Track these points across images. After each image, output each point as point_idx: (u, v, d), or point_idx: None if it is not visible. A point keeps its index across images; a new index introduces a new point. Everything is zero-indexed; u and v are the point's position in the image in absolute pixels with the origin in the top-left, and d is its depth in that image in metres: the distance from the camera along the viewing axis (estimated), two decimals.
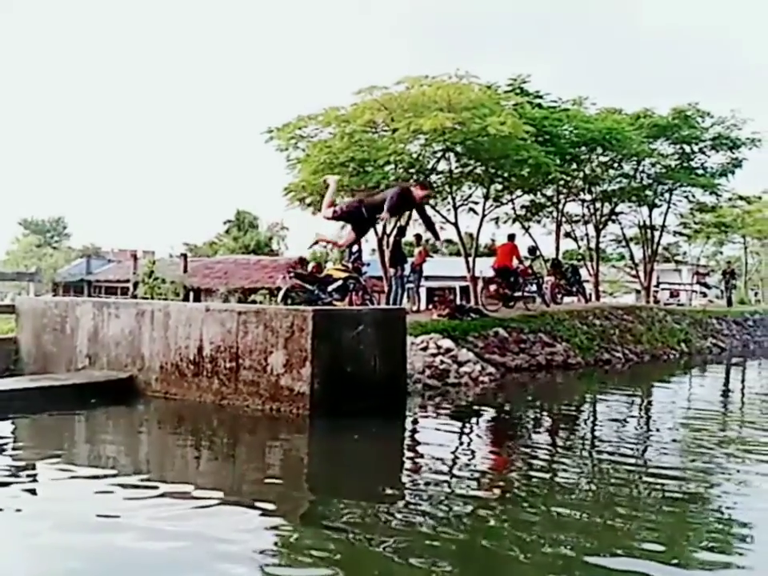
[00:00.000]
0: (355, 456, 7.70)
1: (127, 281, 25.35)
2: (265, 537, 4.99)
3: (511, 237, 19.10)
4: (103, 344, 11.04)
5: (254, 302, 19.09)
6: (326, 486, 6.57)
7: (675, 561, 4.77)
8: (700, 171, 25.46)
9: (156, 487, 6.01)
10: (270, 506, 5.60)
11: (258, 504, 5.61)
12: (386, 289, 17.97)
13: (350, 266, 16.07)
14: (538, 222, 25.70)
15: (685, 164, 25.13)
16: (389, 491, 6.31)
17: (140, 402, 10.14)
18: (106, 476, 6.33)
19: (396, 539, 5.01)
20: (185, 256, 33.72)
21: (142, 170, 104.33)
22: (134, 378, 10.59)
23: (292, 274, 15.20)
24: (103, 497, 5.81)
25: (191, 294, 24.48)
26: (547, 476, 7.03)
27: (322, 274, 15.68)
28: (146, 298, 19.50)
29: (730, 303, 28.42)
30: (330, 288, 14.89)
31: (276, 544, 4.92)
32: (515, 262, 17.64)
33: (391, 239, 17.98)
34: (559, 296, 20.52)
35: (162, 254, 46.38)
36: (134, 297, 21.17)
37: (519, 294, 17.84)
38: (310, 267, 16.51)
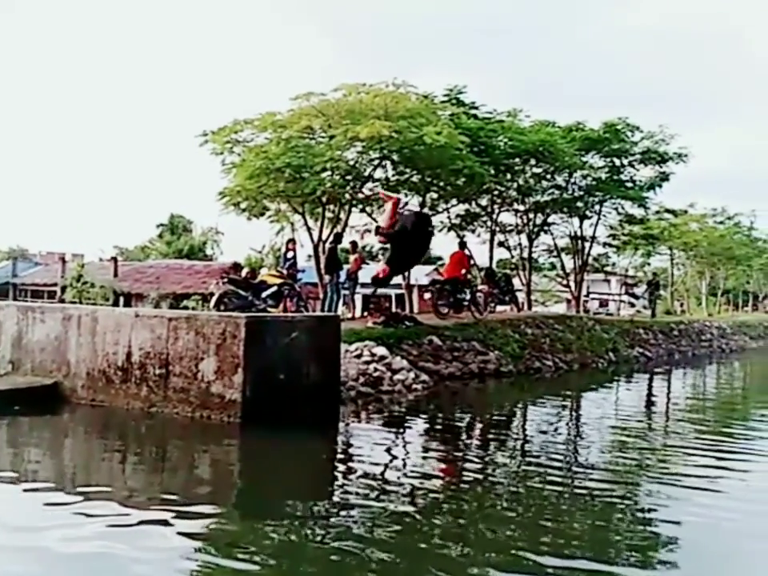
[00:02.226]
0: (287, 466, 7.63)
1: (55, 284, 24.67)
2: (189, 552, 4.87)
3: (462, 244, 19.30)
4: (27, 349, 10.71)
5: (186, 307, 18.79)
6: (256, 496, 6.49)
7: (603, 558, 4.90)
8: (629, 184, 26.12)
9: (78, 498, 5.84)
10: (196, 520, 5.47)
11: (183, 517, 5.50)
12: (321, 295, 17.90)
13: (284, 272, 16.00)
14: (473, 231, 25.97)
15: (615, 177, 25.74)
16: (321, 502, 6.24)
17: (65, 409, 9.86)
18: (25, 487, 6.14)
19: (327, 549, 4.98)
20: (115, 260, 33.03)
21: (72, 170, 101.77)
22: (60, 385, 10.29)
23: (225, 280, 15.01)
24: (21, 507, 5.62)
25: (121, 299, 23.97)
26: (479, 482, 7.10)
27: (256, 280, 15.53)
28: (74, 303, 19.00)
29: (653, 314, 29.23)
30: (264, 294, 14.76)
31: (200, 558, 4.80)
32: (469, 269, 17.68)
33: (327, 246, 17.93)
34: (492, 305, 20.77)
35: (92, 257, 45.20)
36: (62, 301, 20.62)
37: (467, 301, 17.95)
38: (244, 273, 16.35)
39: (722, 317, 38.42)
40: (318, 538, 5.14)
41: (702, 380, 19.97)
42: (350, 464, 7.84)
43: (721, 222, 40.99)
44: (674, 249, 37.35)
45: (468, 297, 17.98)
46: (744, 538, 5.59)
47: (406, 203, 12.63)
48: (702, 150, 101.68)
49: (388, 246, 9.48)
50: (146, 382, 9.61)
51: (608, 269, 38.35)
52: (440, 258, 37.38)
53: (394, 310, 22.79)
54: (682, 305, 43.90)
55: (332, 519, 5.63)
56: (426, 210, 9.15)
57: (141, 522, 5.33)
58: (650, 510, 6.20)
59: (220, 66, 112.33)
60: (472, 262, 20.10)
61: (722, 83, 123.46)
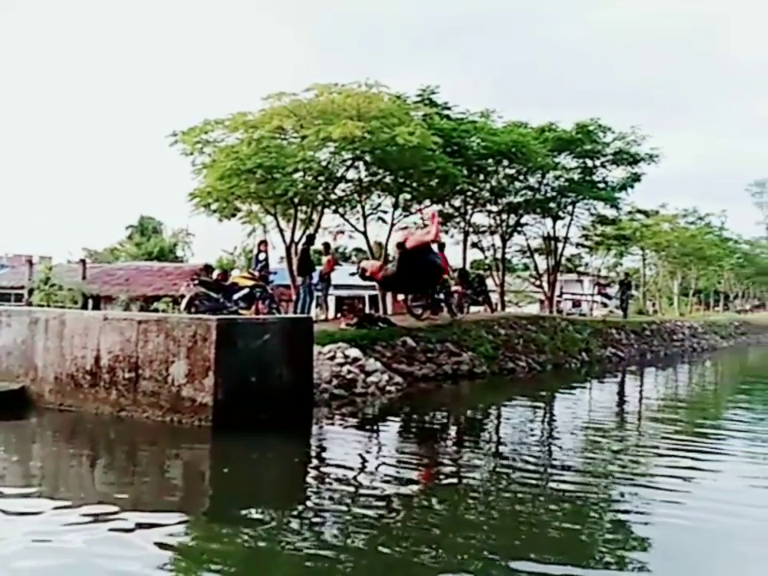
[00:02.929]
0: (259, 470, 7.53)
1: (21, 287, 24.17)
2: (161, 555, 4.78)
3: (441, 246, 19.36)
4: None
5: (156, 310, 18.52)
6: (229, 499, 6.39)
7: (575, 561, 4.87)
8: (601, 185, 26.25)
9: (44, 505, 5.71)
10: (167, 526, 5.37)
11: (153, 524, 5.38)
12: (293, 297, 17.76)
13: (256, 274, 15.82)
14: (446, 232, 25.97)
15: (587, 178, 25.86)
16: (293, 504, 6.18)
17: (33, 414, 9.69)
18: None
19: (299, 552, 4.90)
20: (84, 262, 32.47)
21: (39, 171, 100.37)
22: (27, 390, 10.12)
23: (196, 282, 14.81)
24: None
25: (90, 302, 23.57)
26: (453, 485, 7.06)
27: (227, 282, 15.35)
28: (42, 306, 18.68)
29: (626, 314, 29.42)
30: (235, 296, 14.59)
31: (173, 562, 4.72)
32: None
33: (299, 247, 17.80)
34: (466, 306, 20.76)
35: (60, 259, 44.49)
36: (29, 304, 20.24)
37: (441, 302, 17.99)
38: (215, 275, 16.15)
39: (694, 317, 38.82)
40: (291, 544, 5.06)
41: (674, 380, 20.12)
42: (324, 468, 7.76)
43: (692, 223, 41.47)
44: (646, 249, 37.66)
45: (442, 298, 17.98)
46: (715, 538, 5.61)
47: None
48: (674, 151, 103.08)
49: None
50: (115, 386, 9.45)
51: (581, 269, 38.52)
52: None
53: (367, 311, 22.69)
54: (654, 305, 44.28)
55: (305, 525, 5.55)
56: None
57: (110, 529, 5.22)
58: (622, 512, 6.21)
59: (191, 65, 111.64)
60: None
61: (694, 84, 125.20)
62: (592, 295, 39.57)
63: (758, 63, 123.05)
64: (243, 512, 5.76)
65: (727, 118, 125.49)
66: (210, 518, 5.84)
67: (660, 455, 8.58)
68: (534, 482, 7.15)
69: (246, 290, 14.83)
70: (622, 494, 6.71)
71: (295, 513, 5.89)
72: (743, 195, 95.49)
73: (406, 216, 22.49)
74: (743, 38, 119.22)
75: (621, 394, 16.48)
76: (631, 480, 7.21)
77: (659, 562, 4.97)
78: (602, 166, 26.10)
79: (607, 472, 7.66)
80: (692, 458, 8.22)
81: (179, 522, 5.47)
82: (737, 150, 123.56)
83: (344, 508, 5.93)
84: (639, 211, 30.66)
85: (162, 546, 4.92)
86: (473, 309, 22.49)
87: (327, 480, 7.04)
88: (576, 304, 40.99)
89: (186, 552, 4.91)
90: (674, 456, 8.40)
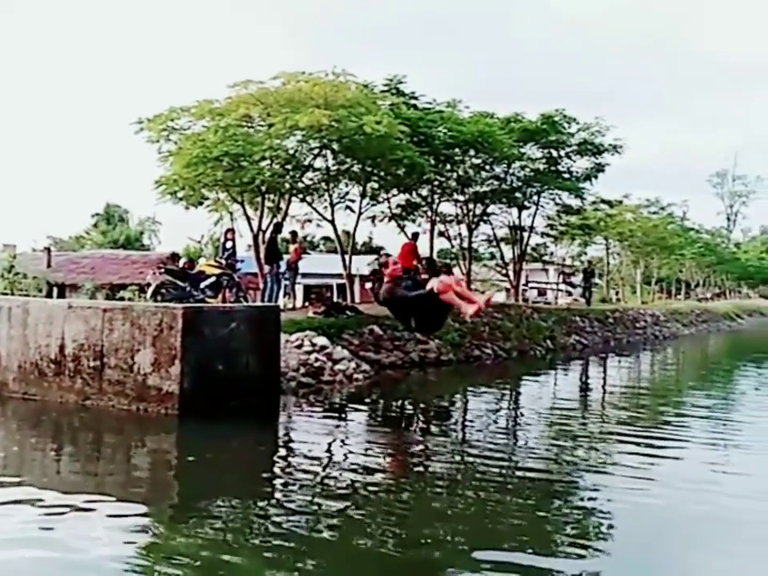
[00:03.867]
0: (226, 458, 7.56)
1: None
2: (126, 546, 4.79)
3: (415, 235, 19.58)
4: None
5: (122, 298, 18.40)
6: (195, 490, 6.41)
7: (540, 550, 4.95)
8: (566, 175, 26.47)
9: (5, 495, 5.69)
10: (133, 513, 5.40)
11: (120, 511, 5.41)
12: (261, 286, 17.74)
13: (223, 262, 15.80)
14: (413, 221, 26.02)
15: (552, 168, 26.07)
16: (260, 495, 6.20)
17: None
18: None
19: (265, 543, 4.94)
20: (48, 250, 32.14)
21: (4, 158, 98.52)
22: None
23: (162, 270, 14.77)
24: None
25: (55, 290, 23.34)
26: (419, 474, 7.13)
27: (194, 270, 15.31)
28: (6, 294, 18.45)
29: (589, 302, 29.79)
30: (202, 285, 14.57)
31: (138, 553, 4.71)
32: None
33: (267, 236, 17.77)
34: None
35: (25, 247, 43.84)
36: None
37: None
38: (181, 263, 16.10)
39: (656, 305, 39.41)
40: (256, 536, 5.09)
41: (636, 367, 20.47)
42: (291, 457, 7.81)
43: (654, 213, 42.06)
44: (610, 239, 38.11)
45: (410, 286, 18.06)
46: (677, 524, 5.73)
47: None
48: (637, 143, 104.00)
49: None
50: (80, 375, 9.41)
51: (546, 258, 38.86)
52: (381, 248, 37.42)
53: (335, 299, 22.73)
54: (617, 293, 44.86)
55: (271, 516, 5.57)
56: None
57: (72, 520, 5.22)
58: (586, 499, 6.31)
59: (158, 51, 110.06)
60: None
61: (657, 78, 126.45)
62: (557, 284, 39.96)
63: (720, 57, 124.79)
64: (208, 502, 5.78)
65: (690, 110, 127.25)
66: (174, 508, 5.86)
67: (623, 442, 8.68)
68: (498, 469, 7.26)
69: (213, 279, 14.81)
70: (586, 481, 6.82)
71: (261, 503, 5.92)
72: (704, 186, 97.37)
73: (374, 205, 22.55)
74: (706, 33, 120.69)
75: (585, 381, 16.75)
76: (595, 467, 7.34)
77: (620, 549, 5.08)
78: (567, 156, 26.32)
79: (571, 459, 7.78)
80: (654, 445, 8.37)
81: (143, 513, 5.48)
82: (699, 142, 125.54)
83: (310, 498, 5.97)
84: (603, 201, 30.99)
85: (125, 537, 4.93)
86: None
87: (294, 469, 7.09)
88: (541, 292, 41.35)
89: (149, 543, 4.92)
90: (637, 443, 8.53)
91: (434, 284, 7.85)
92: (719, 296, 62.26)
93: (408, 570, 4.64)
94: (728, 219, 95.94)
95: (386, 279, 8.54)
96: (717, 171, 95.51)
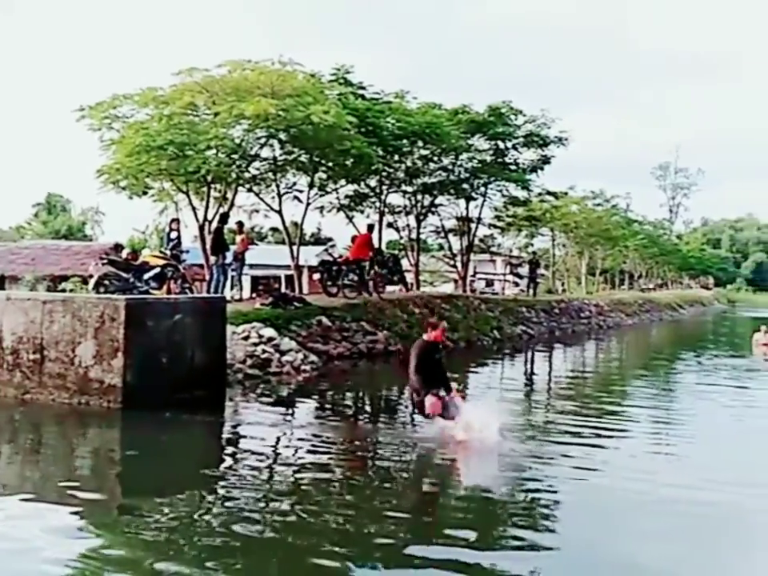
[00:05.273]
0: (170, 453, 7.44)
1: None
2: (65, 550, 4.63)
3: (370, 227, 19.70)
4: None
5: (64, 290, 17.98)
6: (137, 487, 6.29)
7: (487, 545, 4.94)
8: (513, 167, 26.73)
9: None
10: (73, 513, 5.26)
11: (59, 512, 5.27)
12: (207, 277, 17.51)
13: (168, 253, 15.50)
14: (362, 212, 26.00)
15: (499, 159, 26.28)
16: (203, 491, 6.09)
17: None
18: None
19: (206, 543, 4.84)
20: None
21: None
22: None
23: (105, 261, 14.43)
24: None
25: None
26: (364, 469, 7.09)
27: (137, 262, 15.00)
28: None
29: (534, 293, 30.16)
30: (146, 276, 14.25)
31: (78, 556, 4.57)
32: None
33: (213, 226, 17.53)
34: (381, 285, 20.88)
35: None
36: None
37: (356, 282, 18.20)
38: (125, 254, 15.76)
39: (600, 295, 40.12)
40: (198, 533, 4.98)
41: (581, 356, 20.80)
42: (236, 453, 7.72)
43: (599, 205, 42.80)
44: (555, 230, 38.62)
45: (348, 278, 18.08)
46: (615, 512, 5.81)
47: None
48: (582, 136, 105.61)
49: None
50: (19, 368, 9.19)
51: (493, 249, 39.26)
52: (330, 239, 37.28)
53: (283, 290, 22.56)
54: (562, 284, 45.55)
55: (214, 512, 5.48)
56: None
57: (10, 517, 5.08)
58: (531, 491, 6.29)
59: (100, 37, 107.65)
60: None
61: (602, 72, 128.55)
62: (504, 275, 40.38)
63: (665, 52, 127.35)
64: (150, 500, 5.66)
65: (633, 104, 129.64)
66: (115, 508, 5.73)
67: (567, 432, 8.74)
68: (442, 461, 7.26)
69: (157, 270, 14.50)
70: (533, 475, 6.77)
71: (205, 499, 5.84)
72: (648, 178, 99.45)
73: (322, 195, 22.42)
74: (651, 27, 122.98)
75: (530, 370, 16.95)
76: (539, 458, 7.32)
77: (565, 539, 5.11)
78: (514, 148, 26.54)
79: (515, 450, 7.76)
80: (598, 435, 8.51)
81: (83, 513, 5.33)
82: (642, 135, 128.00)
83: (254, 494, 5.87)
84: (549, 193, 31.37)
85: (64, 540, 4.79)
86: (388, 288, 22.65)
87: (239, 465, 7.02)
88: (489, 283, 41.74)
89: (91, 539, 4.82)
90: (580, 433, 8.64)
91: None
92: (661, 287, 63.68)
93: (348, 568, 4.54)
94: (670, 211, 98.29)
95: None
96: (660, 164, 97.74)
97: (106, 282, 13.68)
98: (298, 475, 6.58)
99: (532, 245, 43.49)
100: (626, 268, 54.71)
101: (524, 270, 39.55)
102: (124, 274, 13.98)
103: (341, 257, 18.63)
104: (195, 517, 5.38)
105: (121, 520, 5.29)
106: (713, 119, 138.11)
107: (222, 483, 6.39)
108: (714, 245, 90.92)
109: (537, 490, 6.30)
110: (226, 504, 5.70)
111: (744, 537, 5.45)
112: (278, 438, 8.30)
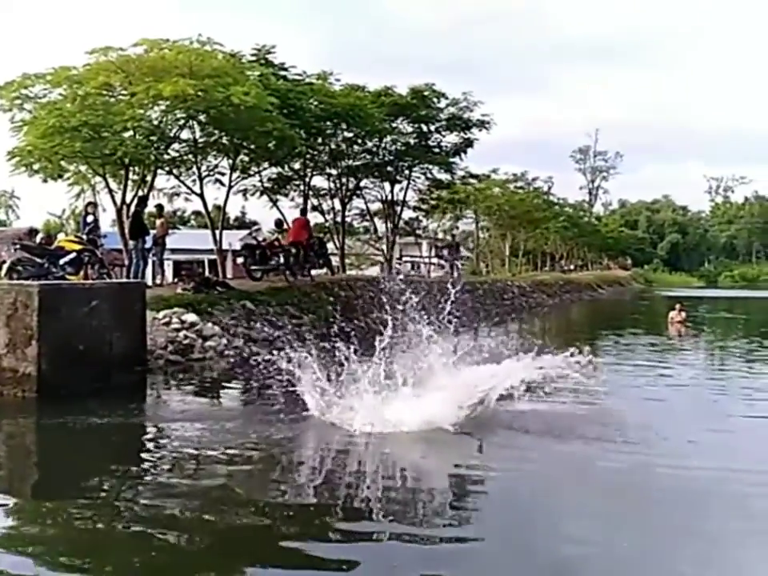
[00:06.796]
0: (88, 443, 7.25)
1: None
2: None
3: (303, 211, 19.65)
4: None
5: None
6: (54, 478, 6.12)
7: (415, 537, 4.85)
8: (436, 150, 26.93)
9: None
10: None
11: None
12: (126, 262, 17.10)
13: (84, 237, 15.07)
14: (286, 195, 25.80)
15: (423, 143, 26.41)
16: (123, 482, 5.94)
17: None
18: None
19: (125, 537, 4.75)
20: None
21: None
22: None
23: (18, 246, 13.97)
24: None
25: None
26: (285, 455, 6.98)
27: (52, 246, 14.55)
28: None
29: (457, 275, 30.46)
30: (61, 261, 13.84)
31: None
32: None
33: (131, 210, 17.11)
34: (307, 269, 20.79)
35: None
36: None
37: (310, 265, 18.35)
38: (38, 239, 15.27)
39: (523, 276, 40.90)
40: (118, 526, 4.88)
41: (504, 336, 21.09)
42: (157, 439, 7.53)
43: (521, 188, 43.55)
44: (479, 212, 39.13)
45: (272, 262, 17.99)
46: (540, 505, 5.88)
47: None
48: (504, 119, 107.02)
49: None
50: None
51: (419, 232, 39.50)
52: (255, 223, 36.84)
53: (206, 275, 22.23)
54: (486, 266, 46.26)
55: (134, 505, 5.31)
56: None
57: None
58: (463, 482, 6.26)
59: (9, 14, 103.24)
60: (279, 227, 20.52)
61: (526, 55, 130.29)
62: (429, 257, 40.72)
63: (587, 36, 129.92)
64: (69, 490, 5.53)
65: (556, 89, 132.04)
66: (32, 497, 5.59)
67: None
68: (369, 450, 7.15)
69: (73, 255, 14.09)
70: (459, 467, 6.70)
71: (125, 491, 5.68)
72: (568, 162, 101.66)
73: (245, 178, 22.13)
74: (571, 11, 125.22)
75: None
76: (467, 452, 7.17)
77: (494, 534, 5.07)
78: (437, 131, 26.72)
79: (445, 442, 7.48)
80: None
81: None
82: (563, 120, 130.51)
83: (177, 489, 5.71)
84: (472, 176, 31.75)
85: None
86: (314, 272, 22.57)
87: (160, 453, 6.88)
88: (415, 266, 42.01)
89: (5, 535, 4.67)
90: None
91: None
92: (582, 268, 65.31)
93: (267, 555, 4.50)
94: (590, 194, 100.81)
95: None
96: (579, 147, 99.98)
97: (20, 267, 13.25)
98: (217, 464, 6.43)
99: (457, 227, 44.04)
100: (547, 249, 55.86)
101: (446, 254, 40.02)
102: (38, 260, 13.57)
103: (264, 240, 18.48)
104: (114, 506, 5.28)
105: (37, 514, 5.15)
106: (631, 103, 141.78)
107: (142, 471, 6.26)
108: (631, 226, 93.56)
109: (464, 479, 6.30)
110: (147, 493, 5.59)
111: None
112: (199, 425, 7.97)
